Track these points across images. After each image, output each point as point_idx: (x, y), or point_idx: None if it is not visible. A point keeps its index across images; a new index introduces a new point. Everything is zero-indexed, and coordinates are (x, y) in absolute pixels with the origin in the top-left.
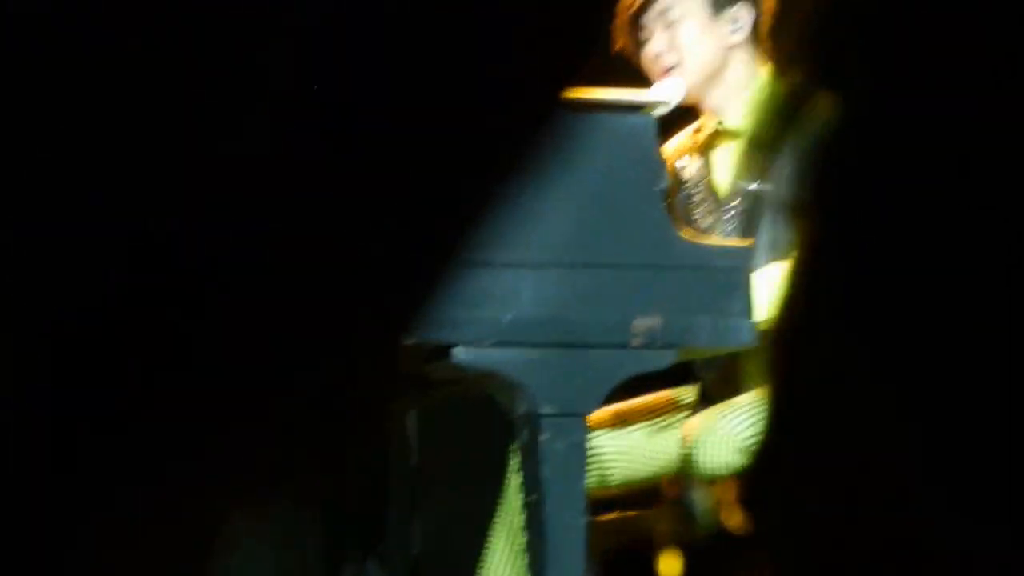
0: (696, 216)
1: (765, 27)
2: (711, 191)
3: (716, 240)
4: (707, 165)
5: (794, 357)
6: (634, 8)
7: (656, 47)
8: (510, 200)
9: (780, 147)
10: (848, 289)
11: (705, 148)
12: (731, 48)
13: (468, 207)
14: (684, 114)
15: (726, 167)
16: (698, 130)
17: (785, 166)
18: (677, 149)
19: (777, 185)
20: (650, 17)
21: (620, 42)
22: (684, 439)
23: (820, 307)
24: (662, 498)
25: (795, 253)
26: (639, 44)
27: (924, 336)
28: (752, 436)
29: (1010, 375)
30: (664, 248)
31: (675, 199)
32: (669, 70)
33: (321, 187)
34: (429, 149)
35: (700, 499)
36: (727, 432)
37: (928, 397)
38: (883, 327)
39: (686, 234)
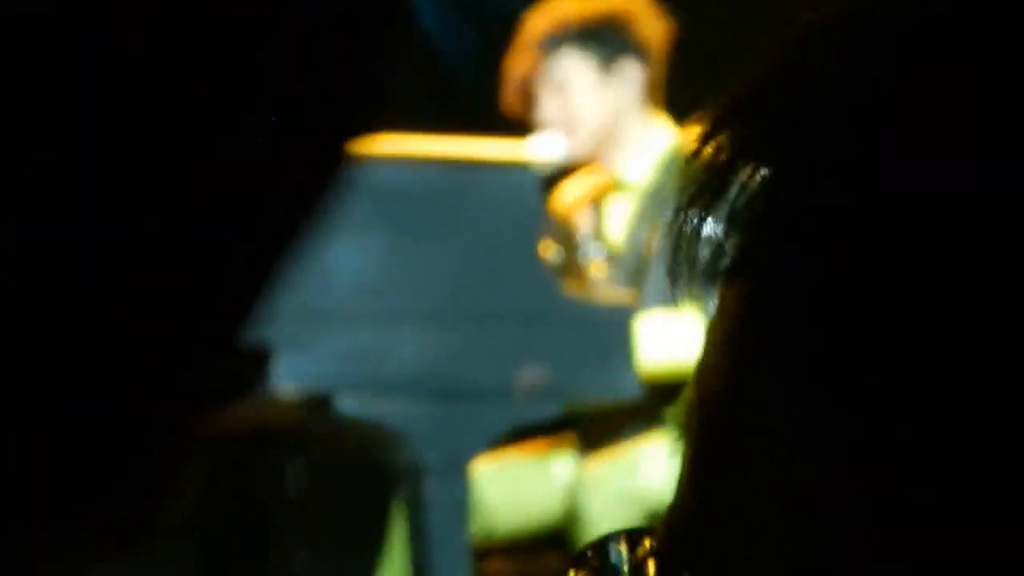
0: (588, 268)
1: (656, 78)
2: (604, 244)
3: (601, 293)
4: (600, 217)
5: None
6: (523, 74)
7: (547, 113)
8: (393, 252)
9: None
10: None
11: (599, 200)
12: (623, 104)
13: (345, 260)
14: (578, 164)
15: (620, 219)
16: (590, 183)
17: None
18: (571, 199)
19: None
20: (538, 82)
21: (512, 105)
22: (571, 490)
23: None
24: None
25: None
26: (529, 108)
27: None
28: (638, 488)
29: None
30: (547, 301)
31: (568, 250)
32: (564, 133)
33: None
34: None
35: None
36: (613, 484)
37: None
38: None
39: (570, 288)
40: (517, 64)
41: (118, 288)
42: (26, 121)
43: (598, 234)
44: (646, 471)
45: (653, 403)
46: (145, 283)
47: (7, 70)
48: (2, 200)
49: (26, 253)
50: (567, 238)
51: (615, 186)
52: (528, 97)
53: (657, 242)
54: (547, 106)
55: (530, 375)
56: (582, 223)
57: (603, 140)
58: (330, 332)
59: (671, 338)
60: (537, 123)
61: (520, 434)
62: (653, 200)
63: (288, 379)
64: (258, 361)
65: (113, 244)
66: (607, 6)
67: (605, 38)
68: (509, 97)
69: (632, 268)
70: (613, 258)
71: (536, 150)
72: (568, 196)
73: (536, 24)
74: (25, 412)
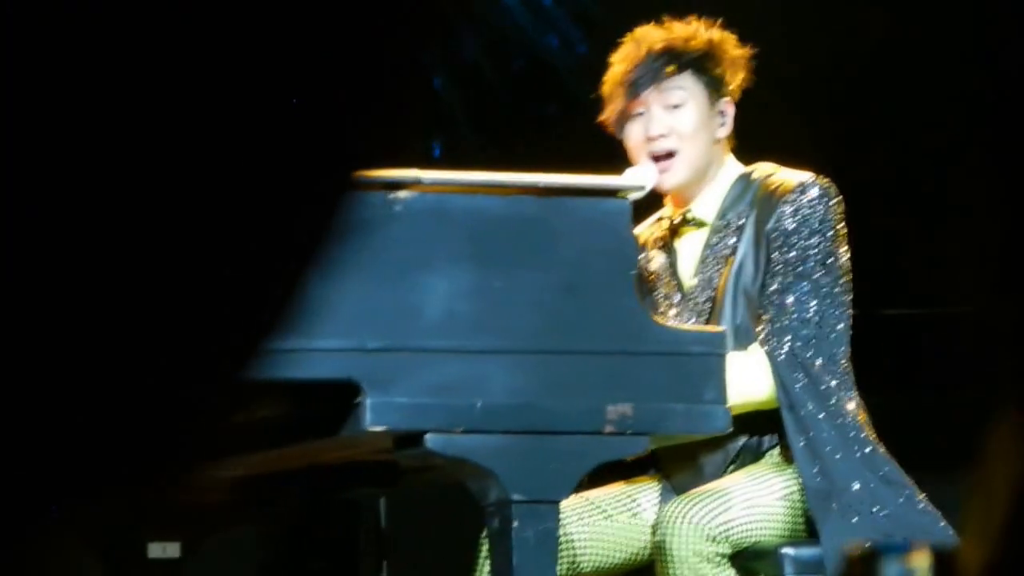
0: (660, 307)
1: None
2: (675, 282)
3: (690, 326)
4: (671, 256)
5: None
6: (636, 81)
7: (656, 128)
8: (482, 285)
9: (743, 236)
10: None
11: (668, 237)
12: (717, 142)
13: (433, 294)
14: (648, 201)
15: (691, 257)
16: (660, 220)
17: (748, 253)
18: (640, 238)
19: (740, 273)
20: (652, 93)
21: (611, 109)
22: (655, 526)
23: None
24: None
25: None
26: (629, 117)
27: None
28: (722, 524)
29: None
30: (637, 334)
31: (644, 286)
32: (664, 156)
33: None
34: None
35: None
36: (698, 520)
37: None
38: None
39: (660, 320)
40: (630, 71)
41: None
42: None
43: (671, 275)
44: (730, 508)
45: (735, 437)
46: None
47: None
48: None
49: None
50: (640, 276)
51: (685, 223)
52: (632, 102)
53: (727, 278)
54: (657, 123)
55: (619, 410)
56: (654, 266)
57: (697, 173)
58: (419, 368)
59: (747, 373)
60: (629, 133)
61: (608, 470)
62: (723, 236)
63: (378, 420)
64: (350, 399)
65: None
66: (724, 46)
67: (718, 74)
68: (610, 99)
69: (705, 307)
70: (685, 298)
71: (632, 179)
72: (640, 232)
73: (657, 39)
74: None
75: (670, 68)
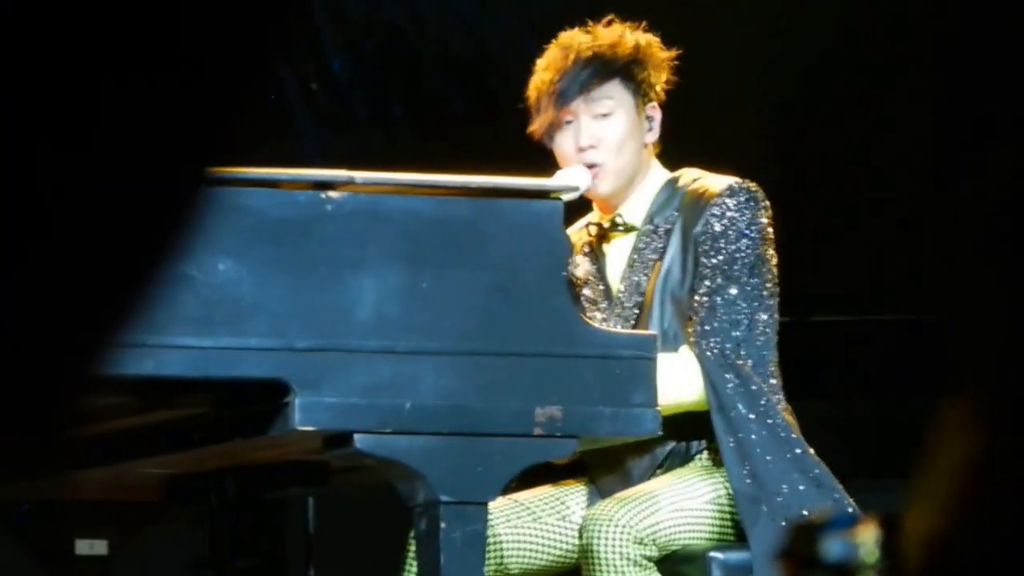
0: (588, 311)
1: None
2: (603, 285)
3: (620, 330)
4: (599, 260)
5: None
6: (563, 92)
7: (585, 139)
8: (413, 286)
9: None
10: None
11: (596, 243)
12: (645, 147)
13: (363, 295)
14: (576, 206)
15: (618, 262)
16: (588, 225)
17: (675, 258)
18: (573, 240)
19: (667, 277)
20: (579, 102)
21: (541, 120)
22: (582, 529)
23: None
24: None
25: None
26: (559, 126)
27: None
28: (650, 527)
29: None
30: (568, 336)
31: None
32: (594, 165)
33: None
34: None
35: None
36: (626, 523)
37: None
38: None
39: (591, 322)
40: (557, 81)
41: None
42: None
43: (598, 280)
44: (657, 511)
45: (664, 440)
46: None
47: None
48: None
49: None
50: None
51: (614, 228)
52: (560, 112)
53: (655, 282)
54: (585, 133)
55: (548, 412)
56: (581, 272)
57: (626, 180)
58: (349, 369)
59: (676, 376)
60: (558, 142)
61: (536, 472)
62: (650, 241)
63: (307, 419)
64: (279, 398)
65: None
66: (649, 50)
67: (645, 79)
68: (538, 108)
69: (632, 312)
70: (613, 302)
71: (566, 180)
72: (570, 236)
73: (584, 46)
74: None
75: (598, 78)
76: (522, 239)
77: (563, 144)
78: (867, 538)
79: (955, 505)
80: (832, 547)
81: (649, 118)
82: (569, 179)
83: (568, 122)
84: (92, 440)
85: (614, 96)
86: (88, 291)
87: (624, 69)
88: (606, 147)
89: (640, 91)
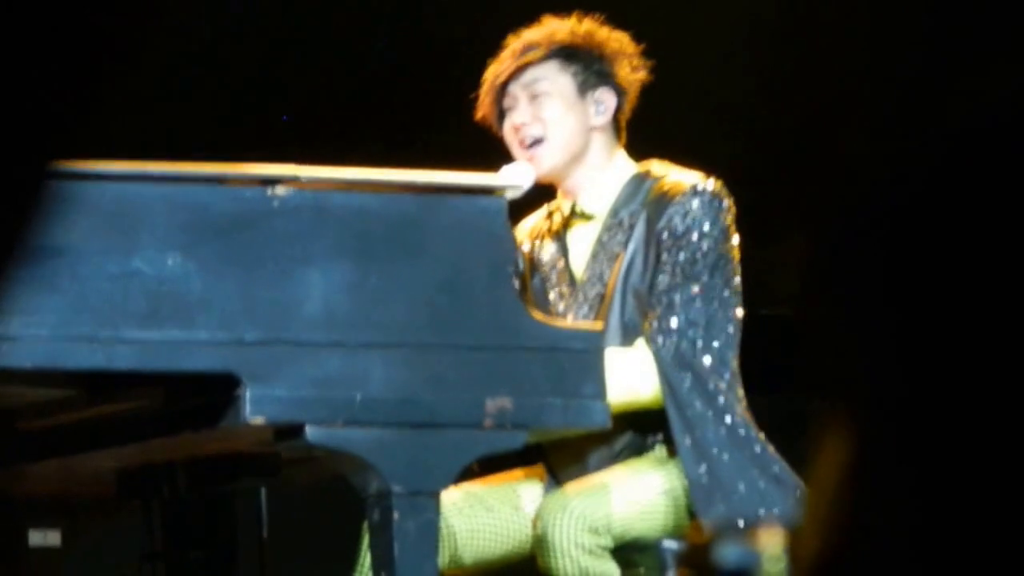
0: (551, 298)
1: (626, 115)
2: (567, 273)
3: (568, 322)
4: (563, 247)
5: None
6: (502, 77)
7: (520, 118)
8: (360, 281)
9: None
10: None
11: (560, 230)
12: (593, 129)
13: (311, 289)
14: (540, 193)
15: (582, 250)
16: (552, 212)
17: (638, 251)
18: (532, 230)
19: (630, 271)
20: (517, 87)
21: (483, 110)
22: (537, 518)
23: None
24: None
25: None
26: (502, 112)
27: None
28: (603, 516)
29: None
30: (515, 330)
31: (530, 281)
32: (532, 143)
33: None
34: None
35: None
36: (580, 512)
37: None
38: None
39: (538, 316)
40: (499, 70)
41: None
42: None
43: (563, 267)
44: (612, 501)
45: (619, 433)
46: None
47: None
48: None
49: None
50: (531, 266)
51: (578, 215)
52: (501, 98)
53: (617, 274)
54: (521, 112)
55: (498, 404)
56: (546, 257)
57: (571, 161)
58: (298, 361)
59: (619, 376)
60: (504, 128)
61: (489, 463)
62: (614, 233)
63: (257, 412)
64: (230, 391)
65: None
66: (598, 37)
67: (589, 63)
68: (483, 98)
69: (594, 301)
70: (576, 290)
71: (509, 177)
72: (529, 230)
73: (527, 37)
74: None
75: (530, 57)
76: (467, 235)
77: (506, 130)
78: (770, 544)
79: (831, 515)
80: (731, 556)
81: (597, 102)
82: (513, 177)
83: (509, 108)
84: (42, 433)
85: (548, 77)
86: None
87: (561, 52)
88: (542, 123)
89: (582, 73)
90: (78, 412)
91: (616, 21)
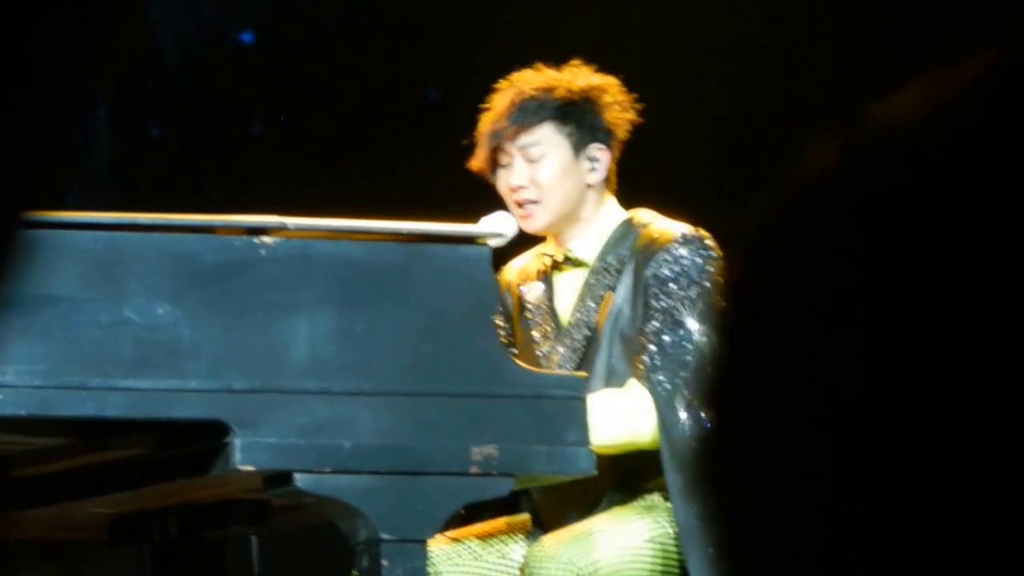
0: (536, 340)
1: (616, 162)
2: (552, 316)
3: (551, 369)
4: (550, 290)
5: None
6: (500, 137)
7: (516, 180)
8: (346, 329)
9: (620, 279)
10: None
11: (548, 272)
12: (587, 187)
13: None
14: (530, 237)
15: (569, 294)
16: (543, 254)
17: (626, 299)
18: (521, 271)
19: (618, 317)
20: (513, 147)
21: (478, 162)
22: (524, 566)
23: None
24: None
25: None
26: (496, 167)
27: None
28: (590, 564)
29: None
30: (499, 377)
31: (518, 322)
32: (528, 203)
33: None
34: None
35: None
36: (567, 560)
37: None
38: None
39: (521, 363)
40: (495, 126)
41: None
42: None
43: (548, 309)
44: (598, 548)
45: (606, 479)
46: None
47: None
48: None
49: None
50: (517, 313)
51: (566, 262)
52: (496, 154)
53: (605, 319)
54: (518, 175)
55: (484, 451)
56: (532, 298)
57: (564, 219)
58: (287, 409)
59: (618, 416)
60: (499, 183)
61: (475, 511)
62: (601, 278)
63: (247, 459)
64: (219, 438)
65: None
66: (592, 91)
67: (582, 119)
68: (477, 151)
69: (580, 344)
70: (561, 333)
71: (492, 226)
72: (518, 270)
73: (522, 90)
74: None
75: (528, 123)
76: (450, 283)
77: (500, 183)
78: None
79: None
80: None
81: (592, 159)
82: (495, 225)
83: (505, 164)
84: (35, 480)
85: (544, 140)
86: None
87: (558, 112)
88: (538, 187)
89: (577, 134)
90: (70, 459)
91: (605, 62)
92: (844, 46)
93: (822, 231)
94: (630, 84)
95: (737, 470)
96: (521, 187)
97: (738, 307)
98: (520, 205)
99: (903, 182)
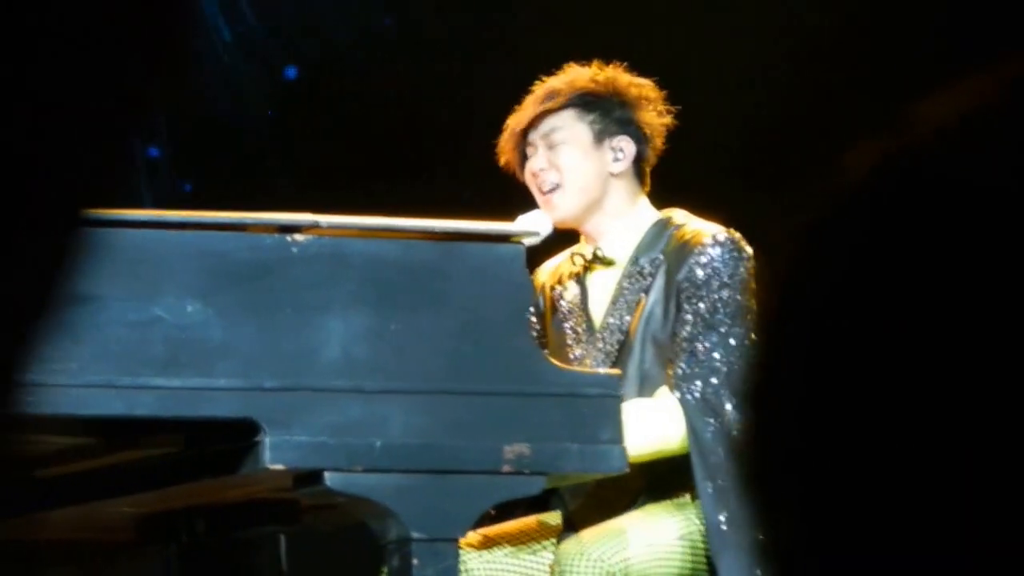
0: (569, 342)
1: (650, 164)
2: (585, 319)
3: (585, 368)
4: (583, 291)
5: None
6: (521, 125)
7: (537, 165)
8: (379, 327)
9: (654, 281)
10: None
11: (581, 273)
12: (611, 176)
13: (330, 336)
14: (564, 238)
15: (602, 296)
16: (575, 255)
17: (658, 302)
18: (554, 272)
19: (650, 319)
20: (536, 135)
21: (506, 156)
22: (555, 563)
23: None
24: None
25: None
26: (523, 159)
27: None
28: (621, 561)
29: None
30: (533, 375)
31: (551, 322)
32: (550, 190)
33: None
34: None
35: None
36: (597, 557)
37: None
38: None
39: (555, 361)
40: (520, 118)
41: None
42: None
43: (581, 311)
44: (629, 546)
45: (637, 478)
46: None
47: None
48: None
49: None
50: (550, 314)
51: (595, 260)
52: (522, 146)
53: (638, 323)
54: (539, 160)
55: (516, 450)
56: (565, 299)
57: (588, 207)
58: (318, 408)
59: (648, 428)
60: (525, 174)
61: (507, 509)
62: (634, 281)
63: (277, 458)
64: (249, 437)
65: None
66: (619, 85)
67: (608, 111)
68: (504, 145)
69: (613, 348)
70: (594, 336)
71: (527, 225)
72: (551, 272)
73: (549, 84)
74: None
75: (548, 106)
76: (485, 282)
77: (527, 176)
78: None
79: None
80: None
81: (616, 149)
82: (530, 224)
83: (530, 156)
84: (62, 480)
85: (566, 125)
86: None
87: (580, 100)
88: (558, 171)
89: (601, 122)
90: (98, 459)
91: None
92: (883, 46)
93: (864, 233)
94: (665, 83)
95: (788, 472)
96: (542, 170)
97: (784, 309)
98: (543, 193)
99: (945, 183)
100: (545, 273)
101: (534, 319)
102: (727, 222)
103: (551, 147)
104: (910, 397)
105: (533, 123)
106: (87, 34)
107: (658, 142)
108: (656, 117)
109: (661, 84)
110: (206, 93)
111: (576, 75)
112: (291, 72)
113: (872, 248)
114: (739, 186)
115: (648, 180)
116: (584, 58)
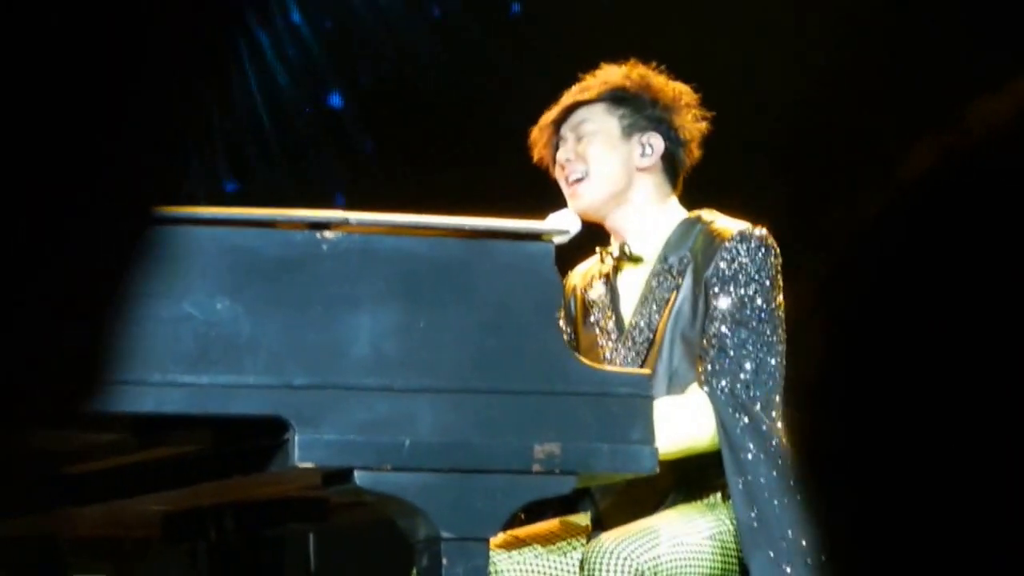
0: (600, 341)
1: (684, 168)
2: (615, 317)
3: (617, 367)
4: (611, 289)
5: None
6: (552, 117)
7: (564, 155)
8: (409, 325)
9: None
10: None
11: (610, 272)
12: (637, 171)
13: (360, 334)
14: (592, 236)
15: (631, 294)
16: (603, 254)
17: (686, 299)
18: (584, 274)
19: (678, 317)
20: (566, 128)
21: (538, 151)
22: (583, 562)
23: None
24: None
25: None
26: (555, 153)
27: None
28: (650, 560)
29: None
30: (563, 374)
31: (581, 325)
32: (576, 180)
33: None
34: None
35: None
36: (626, 555)
37: None
38: None
39: (586, 360)
40: (553, 111)
41: None
42: None
43: (611, 310)
44: (659, 545)
45: (668, 478)
46: None
47: None
48: None
49: None
50: (581, 316)
51: (623, 256)
52: (554, 139)
53: (667, 321)
54: (567, 150)
55: (547, 449)
56: (595, 298)
57: (612, 198)
58: (347, 406)
59: (677, 426)
60: (555, 172)
61: (537, 511)
62: (663, 280)
63: (306, 456)
64: (278, 435)
65: None
66: (653, 84)
67: (639, 108)
68: (536, 139)
69: (643, 347)
70: (623, 334)
71: (556, 223)
72: (582, 274)
73: (583, 82)
74: None
75: (579, 98)
76: (514, 280)
77: (556, 171)
78: None
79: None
80: None
81: (644, 144)
82: (560, 222)
83: (559, 148)
84: (91, 477)
85: (594, 118)
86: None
87: (611, 95)
88: (584, 161)
89: (630, 117)
90: (127, 456)
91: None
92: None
93: (925, 231)
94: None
95: (835, 472)
96: (568, 161)
97: (840, 308)
98: (569, 183)
99: (1005, 182)
100: (577, 276)
101: (563, 324)
102: (783, 218)
103: (579, 138)
104: (962, 394)
105: (564, 116)
106: (148, 45)
107: (692, 147)
108: (691, 120)
109: (711, 85)
110: (251, 99)
111: (611, 73)
112: (335, 99)
113: (927, 246)
114: (791, 180)
115: (680, 183)
116: (622, 59)
